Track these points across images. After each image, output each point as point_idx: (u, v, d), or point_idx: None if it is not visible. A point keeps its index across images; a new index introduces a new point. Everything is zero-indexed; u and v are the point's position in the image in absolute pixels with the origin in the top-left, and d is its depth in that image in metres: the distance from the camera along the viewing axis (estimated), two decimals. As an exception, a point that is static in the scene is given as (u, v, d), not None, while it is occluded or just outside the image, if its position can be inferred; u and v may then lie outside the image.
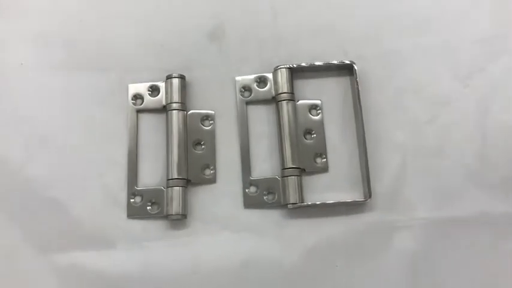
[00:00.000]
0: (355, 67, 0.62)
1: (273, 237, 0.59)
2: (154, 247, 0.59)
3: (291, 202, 0.58)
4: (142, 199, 0.60)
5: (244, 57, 0.65)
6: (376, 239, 0.59)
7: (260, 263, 0.59)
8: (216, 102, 0.63)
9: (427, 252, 0.58)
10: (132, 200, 0.60)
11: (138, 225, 0.60)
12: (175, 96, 0.61)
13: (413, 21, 0.65)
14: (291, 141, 0.60)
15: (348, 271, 0.58)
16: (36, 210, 0.60)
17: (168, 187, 0.59)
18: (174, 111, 0.61)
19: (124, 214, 0.60)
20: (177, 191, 0.58)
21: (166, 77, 0.62)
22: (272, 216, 0.60)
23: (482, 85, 0.63)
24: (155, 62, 0.64)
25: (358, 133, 0.61)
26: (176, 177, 0.59)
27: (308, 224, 0.60)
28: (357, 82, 0.61)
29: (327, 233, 0.59)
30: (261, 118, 0.63)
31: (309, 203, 0.59)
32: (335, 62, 0.62)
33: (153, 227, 0.60)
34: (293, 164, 0.59)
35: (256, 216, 0.60)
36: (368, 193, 0.58)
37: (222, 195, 0.61)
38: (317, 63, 0.62)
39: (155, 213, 0.59)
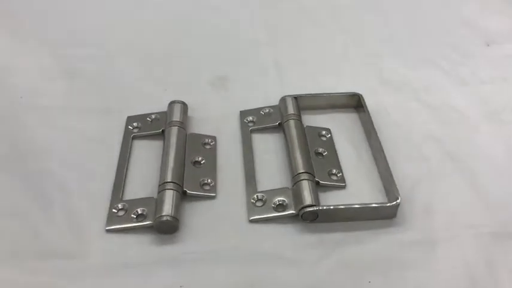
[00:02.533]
0: (362, 97, 0.60)
1: (288, 256, 0.47)
2: (133, 266, 0.46)
3: (306, 204, 0.48)
4: (126, 212, 0.50)
5: (249, 101, 0.63)
6: (416, 252, 0.47)
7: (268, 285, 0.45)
8: (220, 130, 0.59)
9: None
10: (113, 211, 0.50)
11: (117, 240, 0.48)
12: (176, 116, 0.58)
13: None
14: (302, 152, 0.54)
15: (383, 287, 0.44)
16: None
17: (158, 193, 0.50)
18: (173, 127, 0.56)
19: (103, 228, 0.49)
20: (169, 194, 0.49)
21: (169, 103, 0.60)
22: (284, 230, 0.49)
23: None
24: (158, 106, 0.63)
25: (374, 152, 0.55)
26: (169, 180, 0.50)
27: (328, 239, 0.48)
28: (366, 108, 0.59)
29: (353, 248, 0.47)
30: (266, 143, 0.58)
31: (331, 206, 0.49)
32: (341, 92, 0.62)
33: (135, 242, 0.48)
34: (305, 170, 0.52)
35: (264, 231, 0.49)
36: (397, 196, 0.49)
37: (223, 211, 0.51)
38: (323, 93, 0.61)
39: (140, 224, 0.48)
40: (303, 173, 0.51)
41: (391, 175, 0.51)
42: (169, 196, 0.49)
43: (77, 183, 0.52)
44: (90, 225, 0.49)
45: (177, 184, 0.50)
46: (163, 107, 0.60)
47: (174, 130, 0.56)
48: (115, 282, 0.45)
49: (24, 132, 0.58)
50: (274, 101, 0.62)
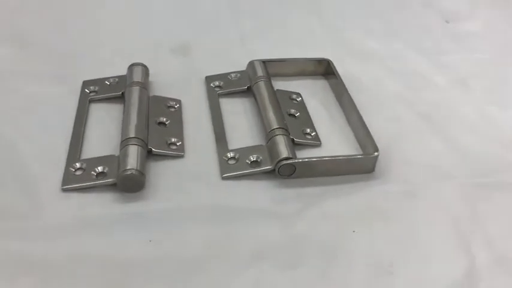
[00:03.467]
0: (332, 62, 0.59)
1: (266, 210, 0.43)
2: (93, 226, 0.41)
3: (282, 157, 0.45)
4: (85, 170, 0.45)
5: (213, 65, 0.60)
6: (397, 202, 0.45)
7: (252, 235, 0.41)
8: (184, 94, 0.55)
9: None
10: (71, 169, 0.44)
11: (75, 199, 0.43)
12: (137, 77, 0.53)
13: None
14: (274, 110, 0.51)
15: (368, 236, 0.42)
16: None
17: (121, 150, 0.45)
18: (134, 87, 0.52)
19: (58, 186, 0.43)
20: (133, 149, 0.44)
21: (128, 66, 0.55)
22: (261, 186, 0.46)
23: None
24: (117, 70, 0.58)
25: (347, 109, 0.54)
26: (133, 136, 0.46)
27: (308, 193, 0.45)
28: (336, 71, 0.57)
29: (334, 200, 0.45)
30: (235, 106, 0.55)
31: (307, 159, 0.46)
32: (310, 58, 0.60)
33: (96, 201, 0.43)
34: (279, 125, 0.49)
35: (239, 187, 0.45)
36: (376, 149, 0.47)
37: (193, 169, 0.47)
38: (292, 58, 0.59)
39: (101, 182, 0.43)
40: (277, 128, 0.48)
41: (367, 130, 0.49)
42: (133, 151, 0.44)
43: (29, 144, 0.47)
44: (45, 185, 0.43)
45: (142, 140, 0.46)
46: (123, 73, 0.56)
47: (136, 90, 0.52)
48: (73, 243, 0.40)
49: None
50: (241, 67, 0.59)
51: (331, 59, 0.60)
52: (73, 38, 0.63)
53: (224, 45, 0.64)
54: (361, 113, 0.52)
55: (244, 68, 0.59)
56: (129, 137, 0.46)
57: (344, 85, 0.55)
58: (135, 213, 0.42)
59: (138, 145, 0.45)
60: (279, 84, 0.58)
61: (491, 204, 0.45)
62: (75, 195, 0.43)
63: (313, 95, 0.57)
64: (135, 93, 0.51)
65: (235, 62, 0.60)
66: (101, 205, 0.42)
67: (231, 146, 0.49)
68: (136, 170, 0.43)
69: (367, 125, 0.50)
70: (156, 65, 0.58)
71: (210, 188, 0.45)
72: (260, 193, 0.45)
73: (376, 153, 0.47)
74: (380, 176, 0.47)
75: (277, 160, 0.46)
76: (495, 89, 0.61)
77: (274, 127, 0.49)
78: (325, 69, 0.60)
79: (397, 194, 0.46)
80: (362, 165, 0.47)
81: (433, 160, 0.50)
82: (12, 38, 0.62)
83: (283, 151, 0.46)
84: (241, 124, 0.53)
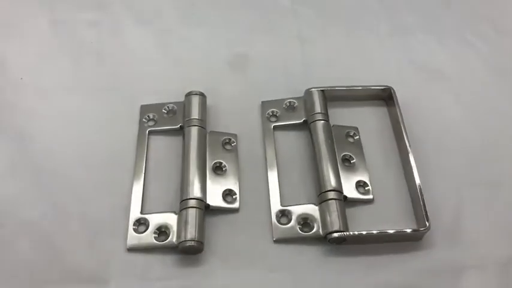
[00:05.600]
0: (394, 91, 0.56)
1: (311, 281, 0.47)
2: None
3: (333, 230, 0.47)
4: (147, 228, 0.48)
5: (270, 85, 0.59)
6: (441, 279, 0.47)
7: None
8: (240, 126, 0.55)
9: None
10: (134, 227, 0.48)
11: (140, 259, 0.47)
12: (195, 113, 0.53)
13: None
14: (330, 163, 0.51)
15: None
16: (14, 237, 0.47)
17: (181, 210, 0.48)
18: (193, 127, 0.52)
19: (123, 245, 0.47)
20: (193, 213, 0.47)
21: (186, 95, 0.55)
22: (309, 252, 0.48)
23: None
24: (172, 88, 0.58)
25: (404, 160, 0.53)
26: (192, 197, 0.48)
27: (355, 263, 0.48)
28: (398, 105, 0.55)
29: (379, 274, 0.47)
30: (290, 144, 0.55)
31: (357, 233, 0.48)
32: (372, 86, 0.57)
33: (159, 263, 0.47)
34: (333, 187, 0.50)
35: (289, 252, 0.48)
36: (426, 223, 0.48)
37: (247, 226, 0.49)
38: (352, 87, 0.57)
39: (163, 244, 0.47)
40: (330, 191, 0.49)
41: (423, 199, 0.49)
42: (192, 216, 0.47)
43: (95, 193, 0.50)
44: (111, 243, 0.47)
45: (200, 200, 0.48)
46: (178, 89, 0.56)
47: (194, 131, 0.52)
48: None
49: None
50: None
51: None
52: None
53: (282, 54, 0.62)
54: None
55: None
56: (188, 198, 0.48)
57: (403, 127, 0.54)
58: (191, 279, 0.46)
59: (197, 208, 0.48)
60: (337, 113, 0.57)
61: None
62: (139, 256, 0.47)
63: (371, 129, 0.56)
64: (193, 136, 0.52)
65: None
66: (163, 267, 0.47)
67: (284, 198, 0.51)
68: (195, 241, 0.46)
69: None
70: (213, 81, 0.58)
71: (262, 251, 0.48)
72: (308, 261, 0.47)
73: (424, 230, 0.47)
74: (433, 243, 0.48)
75: (328, 232, 0.47)
76: None
77: (328, 188, 0.49)
78: (387, 96, 0.57)
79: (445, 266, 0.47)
80: (411, 237, 0.48)
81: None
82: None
83: (335, 223, 0.47)
84: (295, 168, 0.53)
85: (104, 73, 0.59)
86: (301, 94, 0.57)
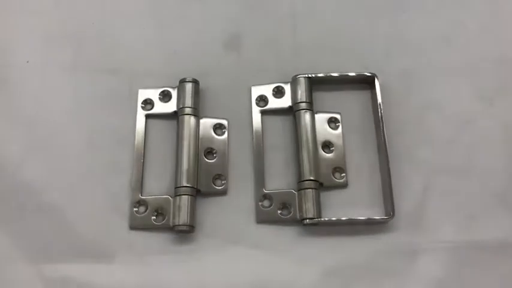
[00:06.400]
0: (377, 80, 0.59)
1: (288, 256, 0.54)
2: (156, 262, 0.54)
3: (308, 217, 0.54)
4: (146, 209, 0.55)
5: (261, 67, 0.62)
6: (399, 261, 0.54)
7: (272, 284, 0.53)
8: (230, 111, 0.60)
9: (453, 278, 0.54)
10: (135, 209, 0.55)
11: (140, 237, 0.55)
12: (188, 101, 0.58)
13: (434, 39, 0.64)
14: (309, 153, 0.56)
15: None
16: (29, 216, 0.55)
17: (175, 196, 0.55)
18: (186, 116, 0.57)
19: (126, 224, 0.55)
20: (185, 199, 0.54)
21: (180, 81, 0.59)
22: (287, 233, 0.55)
23: (507, 105, 0.61)
24: (167, 68, 0.62)
25: (380, 149, 0.58)
26: (185, 185, 0.54)
27: (326, 243, 0.55)
28: (378, 92, 0.58)
29: (346, 253, 0.54)
30: (276, 129, 0.59)
31: (328, 219, 0.54)
32: (356, 73, 0.60)
33: (156, 240, 0.55)
34: (311, 176, 0.55)
35: (269, 232, 0.55)
36: (391, 211, 0.54)
37: (233, 208, 0.56)
38: (337, 74, 0.60)
39: (160, 225, 0.54)
40: (308, 180, 0.55)
41: (391, 189, 0.54)
42: (184, 202, 0.54)
43: (100, 174, 0.57)
44: (115, 223, 0.55)
45: (192, 188, 0.55)
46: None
47: (187, 120, 0.57)
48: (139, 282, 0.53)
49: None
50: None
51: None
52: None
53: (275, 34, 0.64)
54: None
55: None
56: (181, 186, 0.54)
57: (380, 114, 0.57)
58: (185, 255, 0.54)
59: (189, 195, 0.54)
60: (323, 96, 0.60)
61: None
62: (139, 234, 0.55)
63: (355, 114, 0.60)
64: (186, 127, 0.57)
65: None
66: (160, 244, 0.54)
67: (268, 183, 0.57)
68: (187, 225, 0.53)
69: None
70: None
71: (246, 232, 0.55)
72: (286, 240, 0.55)
73: (388, 218, 0.54)
74: (397, 227, 0.55)
75: (303, 218, 0.54)
76: None
77: (306, 178, 0.55)
78: (371, 82, 0.60)
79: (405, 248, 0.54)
80: (377, 222, 0.55)
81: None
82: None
83: (310, 210, 0.54)
84: (280, 154, 0.58)
85: (103, 54, 0.62)
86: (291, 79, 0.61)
